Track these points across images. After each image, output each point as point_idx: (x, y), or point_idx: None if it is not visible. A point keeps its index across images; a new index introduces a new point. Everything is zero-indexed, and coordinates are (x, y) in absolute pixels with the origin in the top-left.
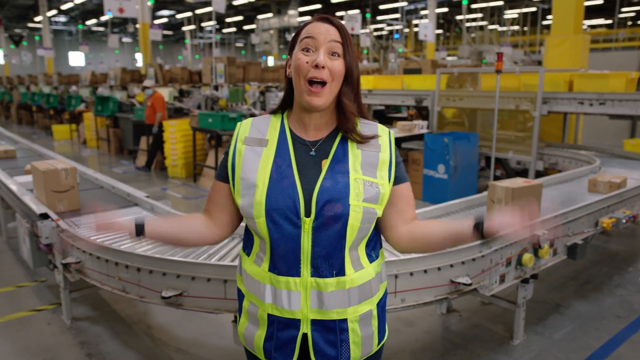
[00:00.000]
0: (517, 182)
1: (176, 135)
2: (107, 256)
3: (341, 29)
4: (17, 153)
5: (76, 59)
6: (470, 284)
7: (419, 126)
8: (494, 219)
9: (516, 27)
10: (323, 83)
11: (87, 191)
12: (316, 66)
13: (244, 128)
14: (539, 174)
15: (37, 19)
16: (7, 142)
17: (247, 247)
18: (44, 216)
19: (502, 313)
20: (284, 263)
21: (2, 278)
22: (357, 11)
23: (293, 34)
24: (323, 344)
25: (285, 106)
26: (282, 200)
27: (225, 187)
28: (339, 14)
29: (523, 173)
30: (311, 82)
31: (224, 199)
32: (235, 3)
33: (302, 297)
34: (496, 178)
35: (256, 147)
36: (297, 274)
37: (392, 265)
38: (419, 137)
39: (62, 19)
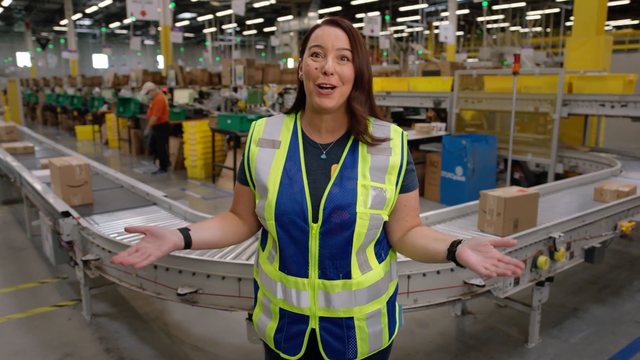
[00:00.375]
0: (511, 191)
1: (196, 137)
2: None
3: (350, 33)
4: (38, 153)
5: (100, 61)
6: (483, 286)
7: (437, 128)
8: (466, 250)
9: (538, 29)
10: (333, 87)
11: (108, 190)
12: (325, 73)
13: (257, 129)
14: (558, 177)
15: (62, 22)
16: (31, 142)
17: (263, 242)
18: (66, 214)
19: (518, 316)
20: (293, 264)
21: (26, 274)
22: (377, 13)
23: (304, 36)
24: (330, 339)
25: (299, 107)
26: (291, 206)
27: (245, 189)
28: (358, 16)
29: (542, 176)
30: (321, 86)
31: (246, 201)
32: (256, 5)
33: (310, 297)
34: (514, 181)
35: (268, 149)
36: (305, 275)
37: (405, 266)
38: (437, 139)
39: (87, 22)
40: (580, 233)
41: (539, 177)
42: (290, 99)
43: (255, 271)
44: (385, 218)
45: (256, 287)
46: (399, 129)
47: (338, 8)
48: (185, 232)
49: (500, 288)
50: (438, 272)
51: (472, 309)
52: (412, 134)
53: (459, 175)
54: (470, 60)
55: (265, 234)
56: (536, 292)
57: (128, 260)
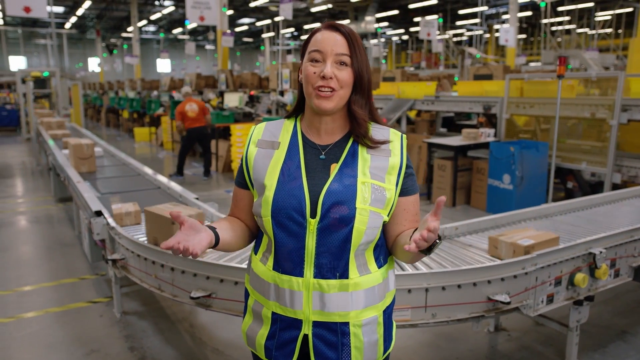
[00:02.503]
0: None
1: (243, 140)
2: (146, 254)
3: (349, 38)
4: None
5: (163, 65)
6: (509, 303)
7: (486, 134)
8: (415, 233)
9: (608, 30)
10: (332, 90)
11: (144, 191)
12: (323, 77)
13: (257, 131)
14: (615, 187)
15: (129, 29)
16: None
17: (256, 246)
18: (98, 213)
19: (556, 336)
20: (288, 262)
21: (68, 269)
22: (434, 17)
23: (305, 40)
24: (323, 347)
25: (299, 111)
26: (288, 201)
27: (244, 192)
28: (416, 19)
29: (598, 186)
30: (320, 89)
31: (246, 205)
32: (313, 10)
33: (304, 298)
34: (568, 191)
35: (268, 150)
36: (300, 274)
37: (422, 278)
38: (485, 145)
39: (152, 28)
40: (629, 249)
41: (595, 187)
42: None
43: (246, 279)
44: (385, 218)
45: (246, 295)
46: (398, 132)
47: (395, 12)
48: (214, 230)
49: (530, 306)
50: (459, 286)
51: (506, 326)
52: (459, 140)
53: (506, 184)
54: (532, 64)
55: (259, 237)
56: (573, 312)
57: (182, 245)
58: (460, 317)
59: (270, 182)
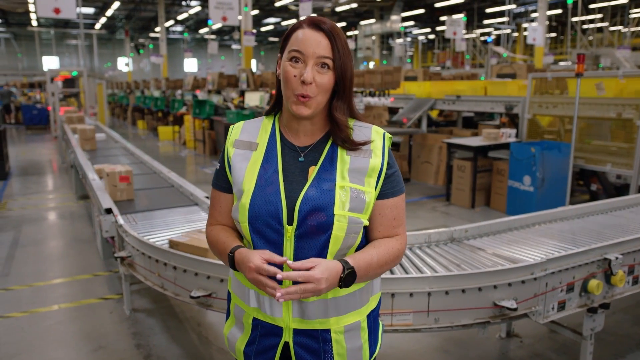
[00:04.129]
0: None
1: None
2: (150, 253)
3: (332, 37)
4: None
5: (189, 65)
6: (516, 309)
7: (507, 134)
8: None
9: None
10: (310, 97)
11: (157, 189)
12: (303, 82)
13: (235, 131)
14: None
15: (157, 29)
16: (110, 141)
17: None
18: (108, 211)
19: (571, 344)
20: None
21: (83, 266)
22: (460, 15)
23: (285, 33)
24: (305, 354)
25: (277, 107)
26: (265, 207)
27: (226, 197)
28: (442, 18)
29: (623, 188)
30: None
31: (227, 208)
32: (338, 10)
33: (283, 306)
34: (592, 193)
35: (246, 151)
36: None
37: (425, 282)
38: (506, 146)
39: (179, 28)
40: None
41: (620, 190)
42: (356, 103)
43: (229, 281)
44: (366, 223)
45: (229, 299)
46: (381, 131)
47: (421, 10)
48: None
49: (539, 312)
50: (463, 290)
51: (519, 332)
52: (479, 140)
53: (526, 185)
54: (562, 63)
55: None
56: (587, 320)
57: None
58: (465, 323)
59: (248, 186)
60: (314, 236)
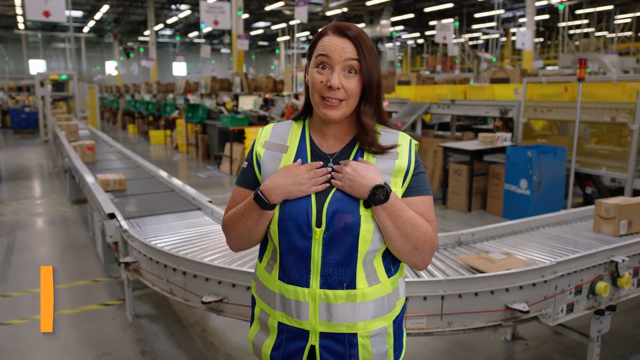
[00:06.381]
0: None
1: None
2: (158, 258)
3: (358, 42)
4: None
5: (179, 69)
6: (527, 312)
7: (502, 138)
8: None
9: (628, 33)
10: (339, 100)
11: (158, 194)
12: (330, 87)
13: (265, 133)
14: (636, 193)
15: (146, 33)
16: (104, 145)
17: (261, 253)
18: (111, 216)
19: (575, 346)
20: (294, 272)
21: (82, 271)
22: (450, 20)
23: (312, 39)
24: (331, 358)
25: (307, 112)
26: (295, 210)
27: (249, 192)
28: (432, 23)
29: (618, 191)
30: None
31: None
32: (328, 14)
33: (310, 309)
34: (587, 196)
35: (277, 153)
36: (306, 284)
37: (438, 285)
38: (502, 150)
39: (168, 32)
40: None
41: (614, 193)
42: None
43: (253, 286)
44: None
45: (253, 303)
46: (407, 137)
47: (411, 15)
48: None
49: (549, 315)
50: (476, 294)
51: (524, 334)
52: (475, 144)
53: (523, 189)
54: (549, 67)
55: (263, 243)
56: (595, 322)
57: None
58: (477, 326)
59: None
60: (342, 238)
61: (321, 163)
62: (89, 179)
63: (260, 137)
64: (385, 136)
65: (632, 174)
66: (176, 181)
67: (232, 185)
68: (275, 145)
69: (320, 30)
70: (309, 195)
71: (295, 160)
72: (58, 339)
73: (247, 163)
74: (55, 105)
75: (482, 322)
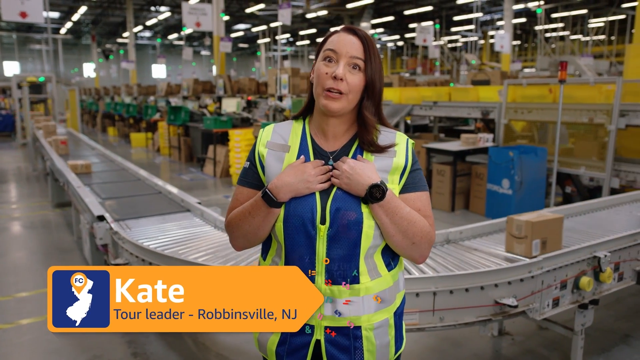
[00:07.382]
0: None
1: (241, 145)
2: (151, 259)
3: (365, 42)
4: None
5: (158, 71)
6: (516, 306)
7: (484, 139)
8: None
9: (602, 37)
10: (341, 92)
11: (146, 196)
12: (334, 77)
13: (266, 133)
14: (614, 192)
15: (125, 34)
16: (87, 148)
17: (264, 251)
18: (101, 218)
19: (560, 340)
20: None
21: None
22: (429, 23)
23: (321, 41)
24: (336, 351)
25: (308, 112)
26: (301, 207)
27: (252, 192)
28: (411, 25)
29: (596, 190)
30: (329, 89)
31: None
32: (308, 16)
33: None
34: (566, 195)
35: (279, 152)
36: (311, 280)
37: (431, 282)
38: (484, 150)
39: (147, 34)
40: (632, 253)
41: (593, 192)
42: None
43: None
44: None
45: None
46: (405, 136)
47: (391, 18)
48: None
49: (536, 309)
50: (467, 289)
51: (510, 330)
52: (457, 145)
53: (505, 189)
54: (527, 70)
55: (267, 241)
56: (579, 315)
57: None
58: (468, 321)
59: None
60: (346, 234)
61: (323, 162)
62: (75, 182)
63: (262, 138)
64: (384, 135)
65: (610, 174)
66: (162, 183)
67: (217, 188)
68: (277, 145)
69: (331, 30)
70: (314, 193)
71: (297, 159)
72: (47, 343)
73: (249, 163)
74: (33, 107)
75: (472, 317)
